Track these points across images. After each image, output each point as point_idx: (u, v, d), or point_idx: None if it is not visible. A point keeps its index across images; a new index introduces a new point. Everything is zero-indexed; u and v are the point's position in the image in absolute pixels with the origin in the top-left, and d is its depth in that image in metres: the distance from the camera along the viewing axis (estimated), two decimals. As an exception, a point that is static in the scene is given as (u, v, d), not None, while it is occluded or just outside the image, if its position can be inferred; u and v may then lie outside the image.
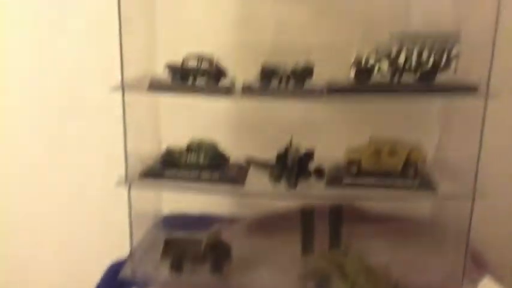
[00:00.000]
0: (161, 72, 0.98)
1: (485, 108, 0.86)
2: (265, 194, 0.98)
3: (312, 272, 0.96)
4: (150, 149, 1.09)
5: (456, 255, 1.01)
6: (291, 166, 0.96)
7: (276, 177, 0.97)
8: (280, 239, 1.14)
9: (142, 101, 1.01)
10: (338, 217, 1.02)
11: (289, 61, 0.94)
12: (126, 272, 1.01)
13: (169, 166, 1.00)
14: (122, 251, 1.09)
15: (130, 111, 0.95)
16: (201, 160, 1.00)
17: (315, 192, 0.95)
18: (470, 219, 0.90)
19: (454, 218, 1.06)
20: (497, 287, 0.93)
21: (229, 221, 1.25)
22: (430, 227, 1.13)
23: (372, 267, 0.91)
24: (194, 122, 1.21)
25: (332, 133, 1.19)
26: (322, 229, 1.03)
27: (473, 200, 0.89)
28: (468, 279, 0.94)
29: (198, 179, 0.98)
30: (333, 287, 0.87)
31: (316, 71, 0.94)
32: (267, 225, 1.19)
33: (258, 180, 0.99)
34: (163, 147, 1.07)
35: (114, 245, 1.11)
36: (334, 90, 0.91)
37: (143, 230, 1.15)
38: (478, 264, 0.98)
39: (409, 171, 0.94)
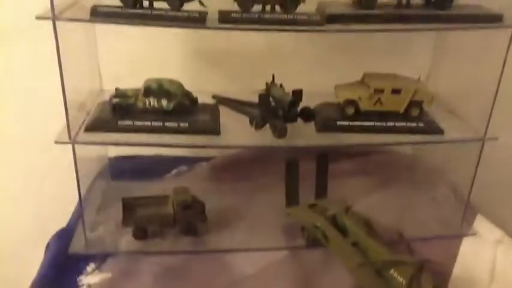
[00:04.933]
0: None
1: (511, 39, 0.73)
2: (248, 146, 0.82)
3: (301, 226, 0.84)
4: (90, 93, 0.86)
5: (444, 197, 0.96)
6: (277, 109, 0.79)
7: (258, 123, 0.80)
8: (254, 184, 1.00)
9: (76, 30, 0.76)
10: (324, 164, 0.89)
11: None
12: (77, 245, 0.82)
13: (122, 115, 0.79)
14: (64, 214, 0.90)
15: (64, 45, 0.70)
16: (164, 105, 0.80)
17: (305, 141, 0.80)
18: (478, 162, 0.81)
19: (436, 153, 0.99)
20: (490, 224, 0.89)
21: (192, 162, 1.09)
22: (412, 162, 1.06)
23: (369, 219, 0.81)
24: (139, 56, 1.00)
25: (308, 67, 1.03)
26: (306, 175, 0.91)
27: (484, 142, 0.79)
28: (463, 219, 0.89)
29: (162, 129, 0.78)
30: (330, 242, 0.76)
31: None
32: (238, 167, 1.04)
33: (235, 127, 0.82)
34: (107, 89, 0.84)
35: (57, 208, 0.92)
36: (335, 18, 0.72)
37: (87, 183, 0.95)
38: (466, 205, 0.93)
39: (413, 112, 0.81)
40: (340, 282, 0.73)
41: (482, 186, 0.85)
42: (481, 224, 0.89)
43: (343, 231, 0.78)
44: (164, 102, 0.80)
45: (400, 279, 0.64)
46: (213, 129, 0.80)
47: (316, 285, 0.75)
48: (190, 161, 1.10)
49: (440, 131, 0.81)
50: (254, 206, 0.93)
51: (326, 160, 0.89)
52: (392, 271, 0.66)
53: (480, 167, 0.83)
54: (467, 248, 0.82)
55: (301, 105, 0.81)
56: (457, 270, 0.77)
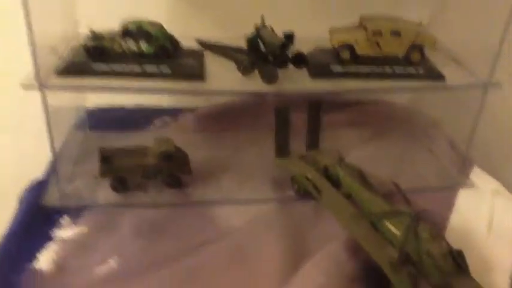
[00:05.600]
0: None
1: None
2: (235, 91, 0.76)
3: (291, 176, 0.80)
4: (64, 37, 0.78)
5: (440, 148, 0.92)
6: (266, 53, 0.73)
7: (247, 67, 0.74)
8: (241, 134, 0.95)
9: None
10: (317, 113, 0.84)
11: None
12: (51, 198, 0.77)
13: (98, 58, 0.72)
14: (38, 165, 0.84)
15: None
16: (144, 48, 0.73)
17: (298, 87, 0.74)
18: (480, 110, 0.77)
19: (432, 104, 0.94)
20: (487, 176, 0.85)
21: (176, 113, 1.03)
22: (409, 113, 1.01)
23: (362, 170, 0.77)
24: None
25: (301, 10, 0.95)
26: (297, 125, 0.85)
27: (487, 89, 0.74)
28: (460, 170, 0.85)
29: (141, 74, 0.72)
30: (322, 194, 0.72)
31: None
32: (225, 118, 0.98)
33: (221, 73, 0.76)
34: (84, 32, 0.77)
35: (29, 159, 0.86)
36: None
37: (64, 134, 0.89)
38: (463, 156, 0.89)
39: (413, 57, 0.75)
40: (331, 235, 0.69)
41: (479, 138, 0.81)
42: (478, 175, 0.86)
43: (335, 183, 0.74)
44: (144, 45, 0.73)
45: (396, 230, 0.61)
46: (197, 74, 0.74)
47: (306, 238, 0.71)
48: (175, 112, 1.04)
49: (441, 77, 0.76)
50: (242, 157, 0.89)
51: (318, 108, 0.83)
52: (387, 222, 0.63)
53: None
54: (464, 199, 0.79)
55: (294, 50, 0.75)
56: (453, 221, 0.74)
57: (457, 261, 0.59)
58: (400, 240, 0.58)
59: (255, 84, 0.73)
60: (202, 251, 0.68)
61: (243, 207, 0.77)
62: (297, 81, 0.74)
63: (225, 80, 0.74)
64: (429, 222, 0.63)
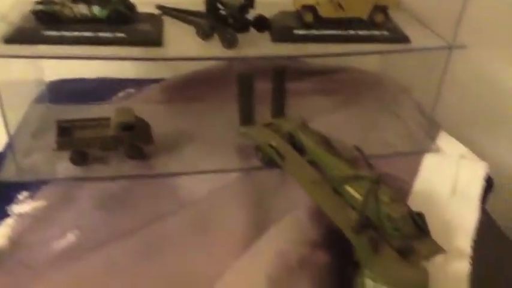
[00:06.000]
0: None
1: None
2: (195, 57, 0.73)
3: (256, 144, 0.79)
4: (14, 4, 0.74)
5: (408, 115, 0.91)
6: (226, 16, 0.70)
7: (206, 32, 0.71)
8: (206, 104, 0.93)
9: None
10: (281, 80, 0.82)
11: None
12: (8, 173, 0.74)
13: (48, 23, 0.68)
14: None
15: None
16: (97, 12, 0.70)
17: (259, 51, 0.71)
18: (444, 72, 0.75)
19: (402, 70, 0.93)
20: (456, 141, 0.85)
21: (140, 85, 1.00)
22: (376, 80, 1.00)
23: (327, 136, 0.76)
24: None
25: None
26: (263, 94, 0.83)
27: (451, 51, 0.73)
28: (427, 135, 0.85)
29: (94, 40, 0.68)
30: (286, 161, 0.71)
31: None
32: (190, 88, 0.95)
33: (180, 39, 0.73)
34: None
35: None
36: None
37: (23, 108, 0.86)
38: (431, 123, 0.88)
39: (377, 18, 0.74)
40: (296, 202, 0.68)
41: (445, 103, 0.80)
42: (444, 140, 0.85)
43: (300, 150, 0.73)
44: (96, 9, 0.70)
45: (357, 194, 0.60)
46: (155, 39, 0.71)
47: (270, 206, 0.70)
48: (140, 83, 1.00)
49: (406, 39, 0.74)
50: (207, 128, 0.86)
51: (283, 75, 0.81)
52: (348, 187, 0.62)
53: (445, 83, 0.77)
54: (430, 164, 0.79)
55: (255, 14, 0.72)
56: (418, 185, 0.74)
57: (418, 223, 0.59)
58: (360, 204, 0.57)
59: (215, 49, 0.70)
60: (164, 221, 0.67)
61: (206, 177, 0.76)
62: (258, 46, 0.72)
63: (184, 45, 0.72)
64: (391, 186, 0.62)
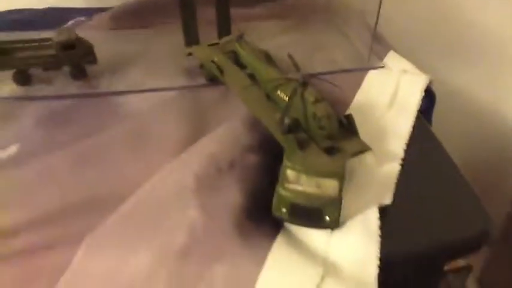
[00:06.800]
0: None
1: None
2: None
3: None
4: None
5: (358, 36, 0.91)
6: None
7: None
8: (154, 30, 0.92)
9: None
10: (225, 4, 0.81)
11: None
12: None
13: None
14: None
15: None
16: None
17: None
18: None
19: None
20: (402, 59, 0.85)
21: (88, 14, 0.98)
22: (328, 4, 0.99)
23: (269, 52, 0.76)
24: None
25: None
26: (207, 16, 0.83)
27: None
28: (373, 54, 0.85)
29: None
30: (225, 74, 0.71)
31: None
32: (138, 15, 0.95)
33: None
34: None
35: None
36: None
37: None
38: (382, 44, 0.89)
39: None
40: (236, 114, 0.69)
41: (393, 22, 0.80)
42: (392, 58, 0.86)
43: (242, 66, 0.73)
44: None
45: (284, 96, 0.61)
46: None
47: (210, 119, 0.70)
48: (89, 13, 0.99)
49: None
50: (154, 51, 0.86)
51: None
52: (279, 92, 0.62)
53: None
54: (372, 78, 0.79)
55: None
56: (357, 98, 0.75)
57: (344, 124, 0.60)
58: (286, 104, 0.58)
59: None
60: (102, 133, 0.68)
61: (149, 95, 0.76)
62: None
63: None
64: (333, 99, 0.62)
